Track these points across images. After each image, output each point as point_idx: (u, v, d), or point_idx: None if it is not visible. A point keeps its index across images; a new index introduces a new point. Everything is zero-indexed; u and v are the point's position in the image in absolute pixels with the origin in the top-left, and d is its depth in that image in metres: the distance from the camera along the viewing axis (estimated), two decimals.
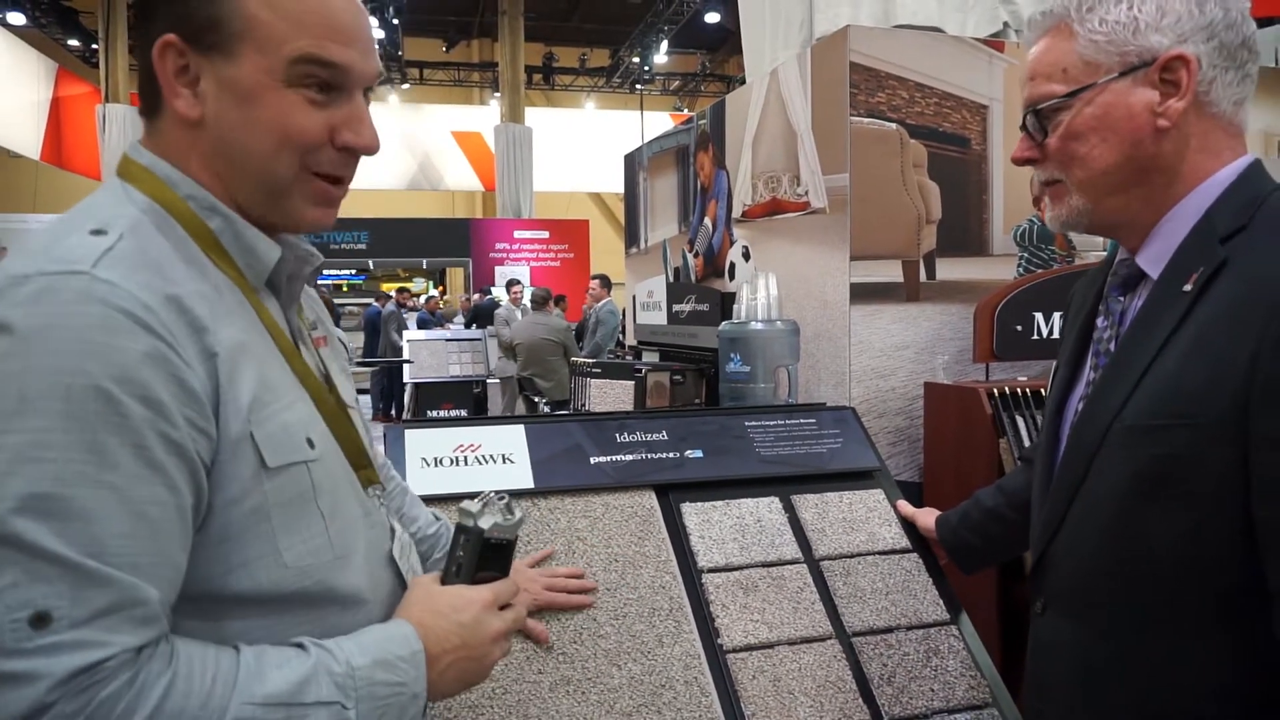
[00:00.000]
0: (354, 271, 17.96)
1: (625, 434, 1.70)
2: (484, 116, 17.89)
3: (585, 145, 17.77)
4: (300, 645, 0.81)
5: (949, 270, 2.45)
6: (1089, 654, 1.05)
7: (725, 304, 2.83)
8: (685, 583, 1.51)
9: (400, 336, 10.39)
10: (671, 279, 3.61)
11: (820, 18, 2.85)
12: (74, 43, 16.78)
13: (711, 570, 1.53)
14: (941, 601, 1.57)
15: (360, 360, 10.56)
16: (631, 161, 4.19)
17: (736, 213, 2.98)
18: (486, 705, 1.28)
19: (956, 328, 2.44)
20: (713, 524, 1.60)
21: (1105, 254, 1.36)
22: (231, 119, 0.85)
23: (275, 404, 0.84)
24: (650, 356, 3.53)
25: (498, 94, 17.30)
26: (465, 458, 1.58)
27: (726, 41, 18.84)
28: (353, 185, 0.97)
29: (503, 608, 0.97)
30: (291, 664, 0.79)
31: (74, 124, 15.47)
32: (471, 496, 0.98)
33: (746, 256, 2.93)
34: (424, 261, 16.64)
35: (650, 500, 1.62)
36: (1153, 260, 1.05)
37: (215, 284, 0.84)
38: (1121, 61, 1.01)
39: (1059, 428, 1.16)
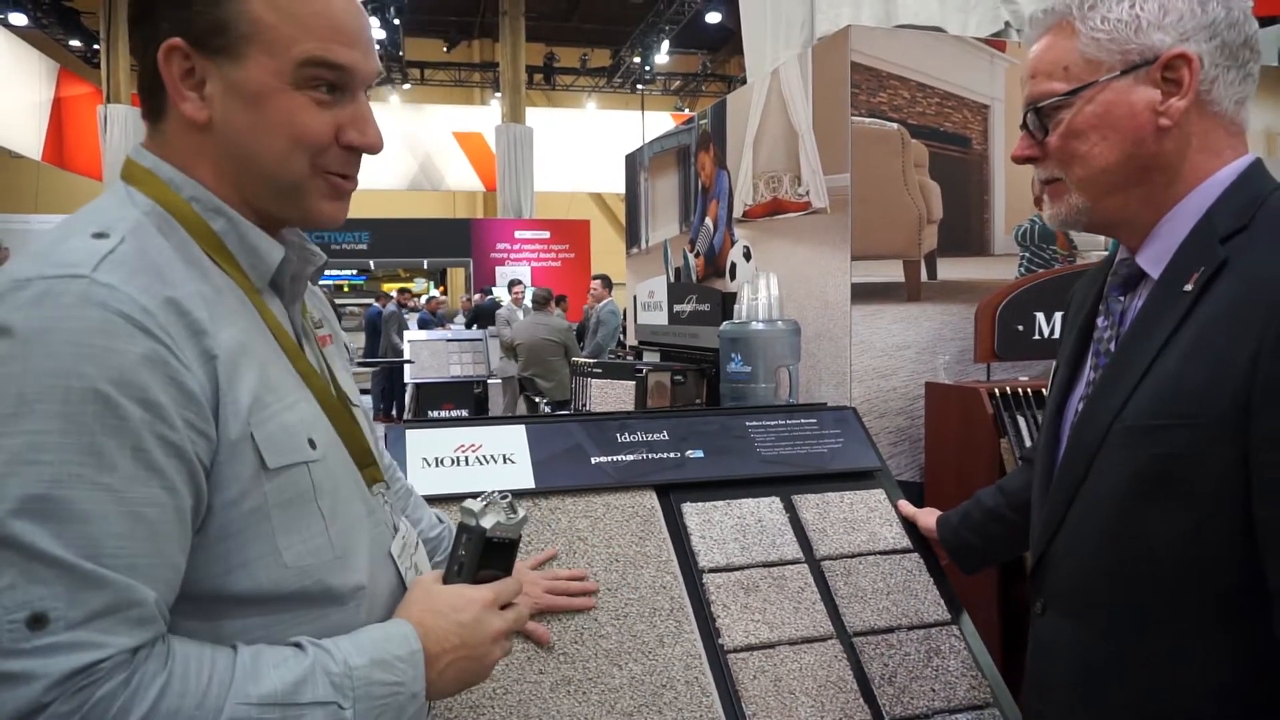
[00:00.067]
0: (355, 272, 18.00)
1: (626, 434, 1.70)
2: (485, 117, 17.89)
3: (586, 145, 17.76)
4: (298, 645, 0.81)
5: (950, 270, 2.45)
6: (1089, 654, 1.05)
7: (726, 304, 2.83)
8: (686, 583, 1.51)
9: (401, 337, 10.40)
10: (672, 279, 3.61)
11: (821, 18, 2.85)
12: (75, 43, 16.80)
13: (712, 570, 1.53)
14: (942, 601, 1.57)
15: (361, 360, 10.56)
16: (632, 161, 4.19)
17: (737, 213, 2.98)
18: (487, 705, 1.28)
19: (957, 328, 2.44)
20: (714, 524, 1.60)
21: (1106, 254, 1.36)
22: (240, 122, 0.85)
23: (276, 404, 0.84)
24: (651, 356, 3.53)
25: (499, 94, 17.30)
26: (466, 458, 1.58)
27: (728, 41, 18.82)
28: None
29: (504, 607, 0.97)
30: (288, 664, 0.79)
31: (75, 124, 15.48)
32: (473, 496, 0.98)
33: (747, 256, 2.93)
34: (425, 262, 16.65)
35: (651, 500, 1.62)
36: (1153, 260, 1.05)
37: (217, 285, 0.84)
38: (1123, 60, 1.00)
39: (1059, 428, 1.16)
